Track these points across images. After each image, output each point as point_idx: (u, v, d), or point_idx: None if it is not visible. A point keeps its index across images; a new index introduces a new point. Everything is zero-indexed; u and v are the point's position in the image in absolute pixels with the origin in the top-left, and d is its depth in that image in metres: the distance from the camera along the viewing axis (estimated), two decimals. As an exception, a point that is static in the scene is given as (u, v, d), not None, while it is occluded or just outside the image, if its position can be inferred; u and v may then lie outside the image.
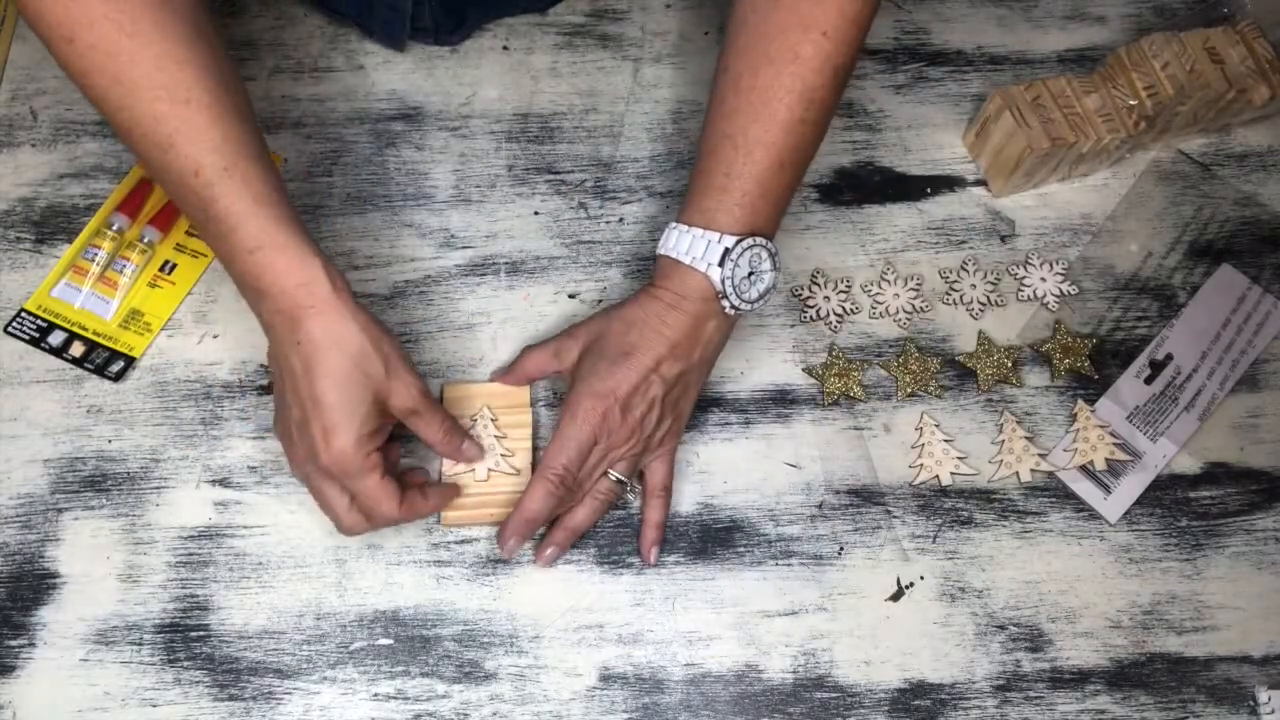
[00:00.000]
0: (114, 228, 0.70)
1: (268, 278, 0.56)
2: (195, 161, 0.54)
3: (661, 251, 0.63)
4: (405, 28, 0.76)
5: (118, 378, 0.68)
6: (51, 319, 0.69)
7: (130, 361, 0.68)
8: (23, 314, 0.69)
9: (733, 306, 0.62)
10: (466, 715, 0.62)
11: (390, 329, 0.58)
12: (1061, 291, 0.73)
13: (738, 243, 0.60)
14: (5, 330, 0.68)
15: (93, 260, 0.69)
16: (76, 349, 0.68)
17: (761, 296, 0.63)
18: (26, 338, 0.68)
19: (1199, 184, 0.78)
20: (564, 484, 0.62)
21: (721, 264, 0.61)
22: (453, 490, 0.64)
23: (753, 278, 0.62)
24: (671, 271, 0.62)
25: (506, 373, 0.68)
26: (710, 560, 0.66)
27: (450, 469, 0.66)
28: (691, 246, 0.61)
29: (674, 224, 0.63)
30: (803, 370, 0.71)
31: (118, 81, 0.54)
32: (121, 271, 0.69)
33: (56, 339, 0.68)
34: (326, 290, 0.56)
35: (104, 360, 0.68)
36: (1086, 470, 0.68)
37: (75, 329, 0.69)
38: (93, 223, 0.71)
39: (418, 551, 0.65)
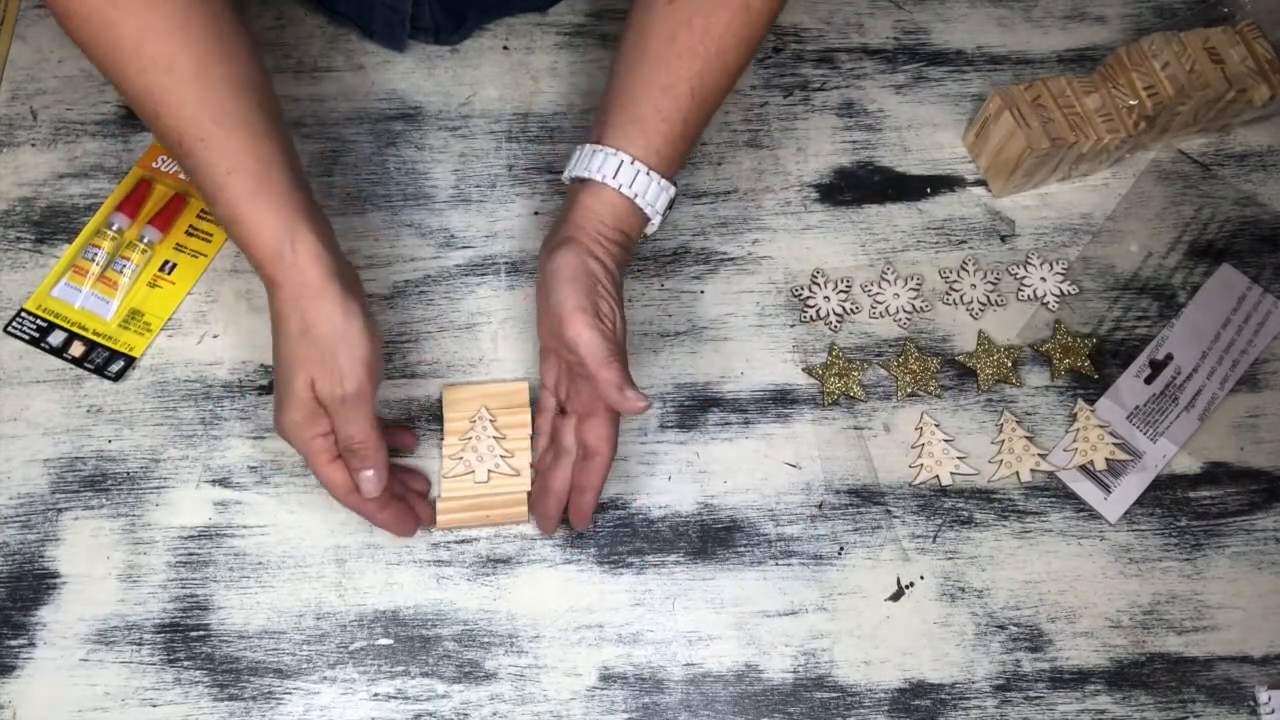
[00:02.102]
0: (114, 227, 0.70)
1: (246, 250, 0.57)
2: (178, 132, 0.55)
3: (625, 191, 0.61)
4: (405, 29, 0.77)
5: (118, 377, 0.68)
6: (51, 319, 0.69)
7: (130, 361, 0.68)
8: (23, 314, 0.69)
9: (637, 243, 0.64)
10: (466, 715, 0.62)
11: (364, 328, 0.57)
12: (1061, 291, 0.73)
13: (677, 193, 0.63)
14: (5, 330, 0.68)
15: (93, 260, 0.69)
16: (76, 349, 0.68)
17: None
18: (26, 338, 0.68)
19: (1199, 184, 0.78)
20: (617, 356, 0.60)
21: (663, 213, 0.63)
22: (410, 516, 0.63)
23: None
24: (626, 213, 0.62)
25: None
26: (710, 560, 0.66)
27: (449, 470, 0.66)
28: (648, 190, 0.61)
29: (633, 160, 0.61)
30: (803, 370, 0.71)
31: (110, 54, 0.55)
32: (121, 271, 0.69)
33: (56, 339, 0.68)
34: (286, 266, 0.56)
35: (104, 360, 0.68)
36: (1086, 470, 0.68)
37: (75, 329, 0.69)
38: (92, 222, 0.71)
39: (418, 551, 0.65)
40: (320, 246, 0.56)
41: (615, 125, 0.62)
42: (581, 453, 0.63)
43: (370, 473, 0.59)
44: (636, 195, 0.61)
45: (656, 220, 0.63)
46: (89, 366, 0.68)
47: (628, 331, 0.63)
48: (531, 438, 0.67)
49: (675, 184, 0.63)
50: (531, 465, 0.66)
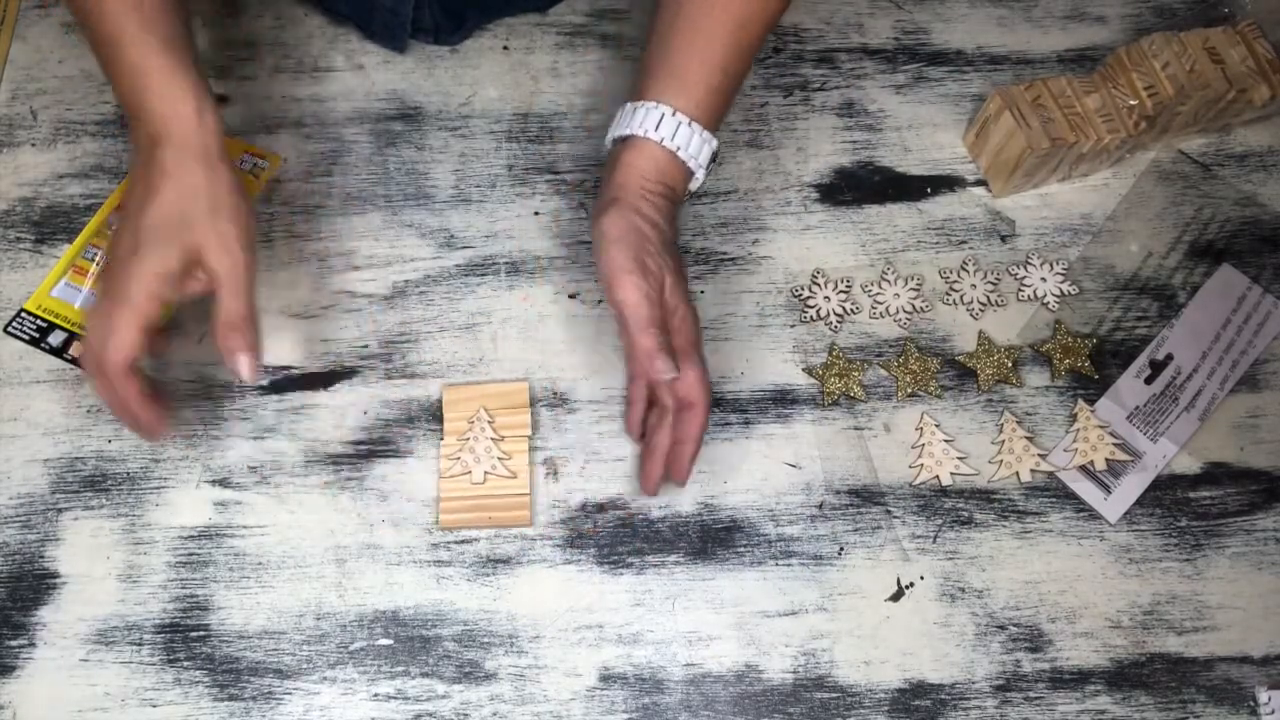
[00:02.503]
0: (113, 227, 0.70)
1: (147, 102, 0.58)
2: None
3: (668, 145, 0.62)
4: (406, 30, 0.76)
5: None
6: (52, 319, 0.69)
7: None
8: (23, 314, 0.69)
9: (684, 200, 0.66)
10: (466, 715, 0.62)
11: (243, 205, 0.59)
12: (1061, 291, 0.73)
13: (719, 146, 0.65)
14: (5, 330, 0.68)
15: (93, 260, 0.69)
16: (77, 349, 0.68)
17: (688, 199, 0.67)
18: (26, 338, 0.68)
19: (1199, 184, 0.78)
20: (655, 323, 0.61)
21: (706, 166, 0.64)
22: (155, 412, 0.60)
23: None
24: (669, 168, 0.63)
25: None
26: (710, 560, 0.66)
27: (446, 470, 0.66)
28: (690, 143, 0.63)
29: (674, 111, 0.62)
30: (803, 370, 0.71)
31: None
32: None
33: (57, 339, 0.68)
34: (190, 127, 0.58)
35: None
36: (1086, 470, 0.68)
37: (76, 329, 0.69)
38: (93, 222, 0.71)
39: (418, 551, 0.65)
40: (221, 125, 0.60)
41: (655, 79, 0.63)
42: (676, 405, 0.63)
43: (246, 356, 0.58)
44: (679, 148, 0.62)
45: (700, 175, 0.64)
46: None
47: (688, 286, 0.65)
48: (530, 440, 0.67)
49: (717, 138, 0.64)
50: (628, 431, 0.67)
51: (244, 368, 0.58)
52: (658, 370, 0.60)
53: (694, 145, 0.63)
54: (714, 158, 0.65)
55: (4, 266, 0.71)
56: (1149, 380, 0.71)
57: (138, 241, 0.57)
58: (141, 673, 0.62)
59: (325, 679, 0.62)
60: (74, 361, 0.68)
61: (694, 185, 0.66)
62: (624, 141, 0.63)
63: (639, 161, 0.62)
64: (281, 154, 0.75)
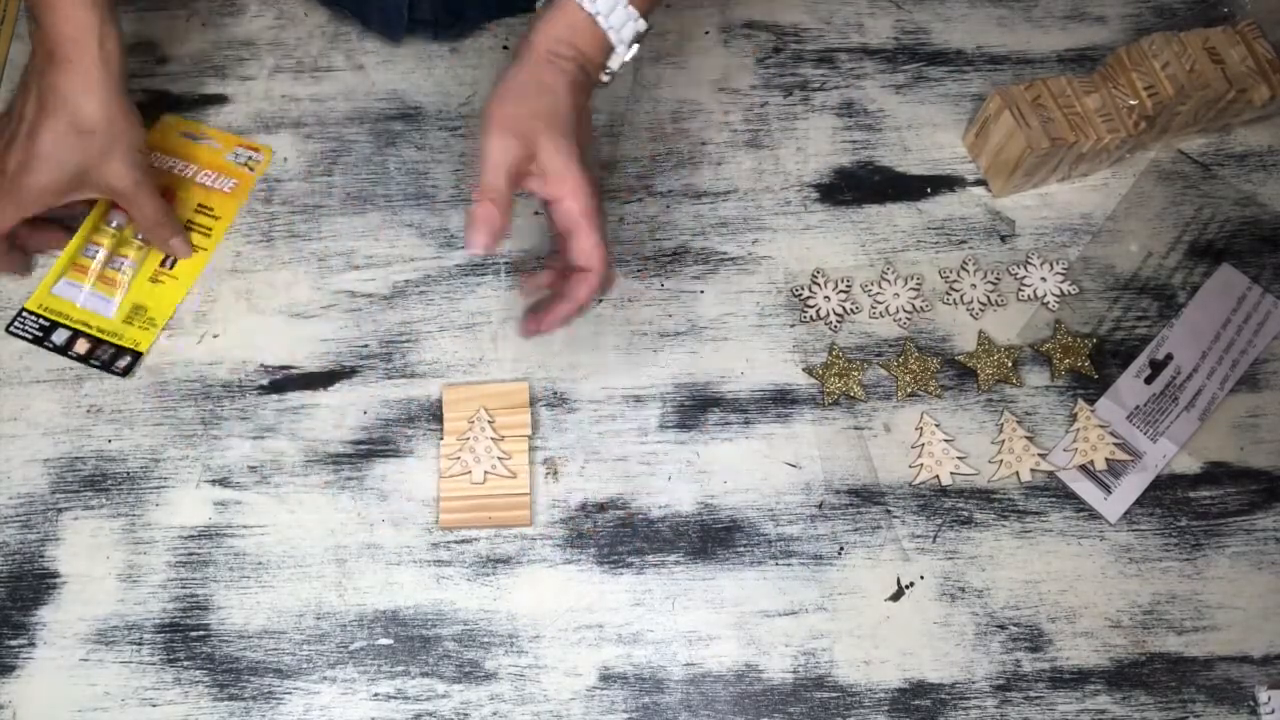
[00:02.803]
0: (113, 224, 0.70)
1: (47, 18, 0.60)
2: None
3: (587, 7, 0.59)
4: (402, 19, 0.76)
5: (125, 373, 0.68)
6: (54, 317, 0.69)
7: (137, 357, 0.68)
8: (24, 314, 0.69)
9: (604, 83, 0.62)
10: (466, 715, 0.62)
11: (137, 121, 0.64)
12: (1061, 291, 0.73)
13: (647, 30, 0.61)
14: (7, 330, 0.68)
15: (93, 258, 0.69)
16: (81, 346, 0.68)
17: (604, 82, 0.63)
18: (30, 337, 0.68)
19: (1199, 184, 0.78)
20: (498, 187, 0.58)
21: (630, 45, 0.61)
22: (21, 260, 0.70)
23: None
24: (586, 32, 0.60)
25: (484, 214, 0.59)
26: (710, 560, 0.66)
27: (447, 470, 0.66)
28: (614, 12, 0.59)
29: None
30: (803, 370, 0.71)
31: None
32: (120, 269, 0.69)
33: (60, 337, 0.68)
34: (91, 55, 0.60)
35: (110, 356, 0.68)
36: (1086, 470, 0.68)
37: (79, 326, 0.69)
38: (90, 219, 0.71)
39: (418, 551, 0.65)
40: (122, 53, 0.62)
41: None
42: (574, 269, 0.62)
43: (177, 239, 0.69)
44: (600, 14, 0.59)
45: (621, 52, 0.61)
46: (95, 363, 0.68)
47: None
48: (529, 440, 0.67)
49: (649, 22, 0.61)
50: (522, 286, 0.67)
51: (181, 247, 0.70)
52: (467, 235, 0.58)
53: (617, 16, 0.59)
54: (638, 38, 0.61)
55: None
56: (1149, 380, 0.71)
57: (29, 158, 0.62)
58: (141, 672, 0.62)
59: (325, 679, 0.62)
60: (80, 359, 0.68)
61: (613, 62, 0.62)
62: (550, 3, 0.60)
63: (556, 20, 0.59)
64: (282, 154, 0.75)
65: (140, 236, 0.70)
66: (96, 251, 0.69)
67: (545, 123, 0.59)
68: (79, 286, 0.69)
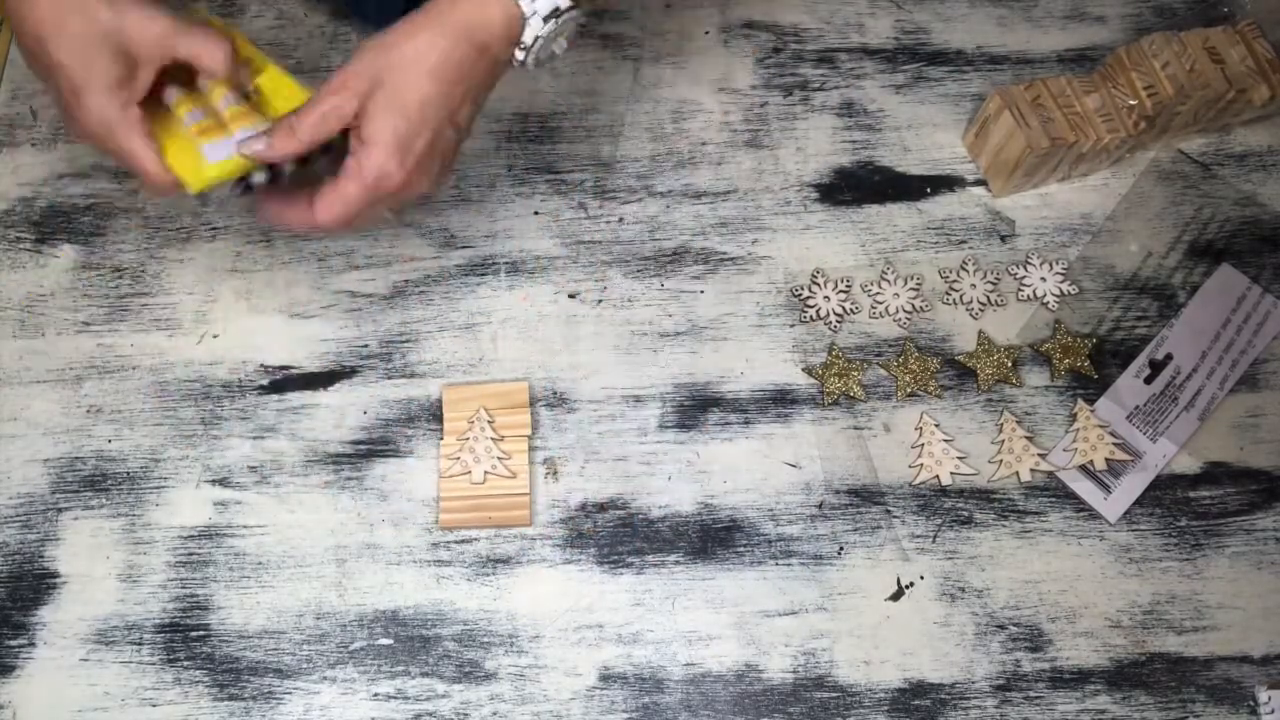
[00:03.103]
0: (172, 98, 0.61)
1: None
2: None
3: None
4: (399, 9, 0.76)
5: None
6: (228, 176, 0.60)
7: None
8: (201, 195, 0.60)
9: (520, 62, 0.58)
10: (466, 715, 0.62)
11: None
12: (1061, 291, 0.73)
13: (571, 7, 0.57)
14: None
15: (199, 120, 0.60)
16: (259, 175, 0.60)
17: (541, 64, 0.59)
18: (239, 192, 0.60)
19: (1199, 184, 0.78)
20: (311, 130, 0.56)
21: (546, 20, 0.56)
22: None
23: (548, 43, 0.58)
24: (489, 4, 0.56)
25: (269, 142, 0.57)
26: (710, 560, 0.66)
27: (446, 470, 0.66)
28: None
29: None
30: (803, 370, 0.71)
31: None
32: (226, 108, 0.60)
33: (258, 178, 0.60)
34: None
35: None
36: (1086, 470, 0.68)
37: (255, 169, 0.60)
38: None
39: (418, 551, 0.65)
40: None
41: None
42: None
43: (258, 140, 0.57)
44: None
45: (536, 24, 0.57)
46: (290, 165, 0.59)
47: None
48: (529, 440, 0.67)
49: (580, 9, 0.58)
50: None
51: (260, 146, 0.57)
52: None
53: None
54: (555, 13, 0.57)
55: (4, 266, 0.71)
56: (1149, 380, 0.71)
57: (70, 85, 0.55)
58: (141, 672, 0.62)
59: (325, 679, 0.62)
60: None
61: (526, 35, 0.57)
62: None
63: None
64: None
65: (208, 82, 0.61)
66: (197, 115, 0.60)
67: (386, 97, 0.56)
68: (219, 142, 0.60)
